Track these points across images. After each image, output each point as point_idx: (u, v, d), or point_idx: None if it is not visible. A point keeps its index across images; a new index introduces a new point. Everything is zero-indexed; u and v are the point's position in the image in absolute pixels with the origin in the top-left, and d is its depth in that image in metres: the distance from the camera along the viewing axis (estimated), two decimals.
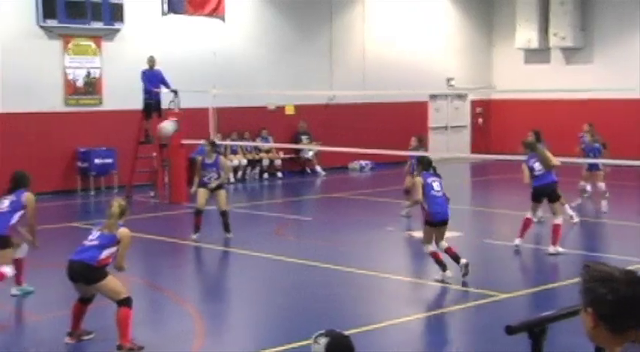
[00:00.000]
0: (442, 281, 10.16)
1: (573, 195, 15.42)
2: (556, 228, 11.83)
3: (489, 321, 8.83)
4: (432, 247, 10.33)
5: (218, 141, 19.55)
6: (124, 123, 19.18)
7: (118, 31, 19.87)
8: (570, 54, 25.60)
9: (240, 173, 21.80)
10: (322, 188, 21.56)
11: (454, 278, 10.26)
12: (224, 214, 13.41)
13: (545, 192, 12.03)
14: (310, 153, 23.07)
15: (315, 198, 20.09)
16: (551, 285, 10.40)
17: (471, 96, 27.49)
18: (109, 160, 19.52)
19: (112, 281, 7.69)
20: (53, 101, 19.18)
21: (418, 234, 13.59)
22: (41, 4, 18.59)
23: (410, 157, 15.36)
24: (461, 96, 27.35)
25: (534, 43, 25.64)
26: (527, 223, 12.17)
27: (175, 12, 20.73)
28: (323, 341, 3.99)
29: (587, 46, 25.31)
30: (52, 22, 18.80)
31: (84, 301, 7.94)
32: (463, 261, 10.20)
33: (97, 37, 19.68)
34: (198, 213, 13.42)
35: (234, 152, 21.93)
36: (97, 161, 19.35)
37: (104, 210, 8.09)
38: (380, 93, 22.90)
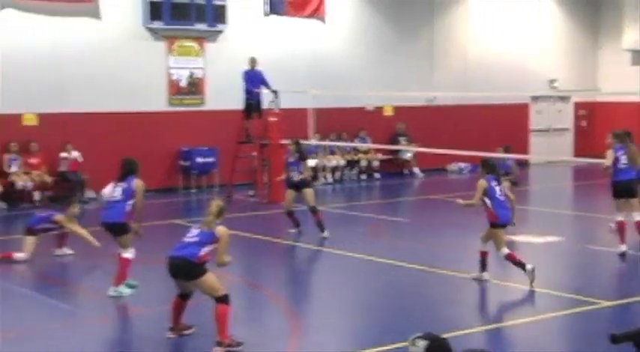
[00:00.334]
0: (480, 281, 10.25)
1: None
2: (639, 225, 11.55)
3: (591, 329, 8.61)
4: (507, 249, 10.26)
5: (316, 142, 19.76)
6: (225, 122, 19.52)
7: (220, 32, 20.24)
8: None
9: (338, 174, 21.87)
10: (420, 189, 21.42)
11: (552, 285, 10.02)
12: (313, 211, 13.73)
13: (625, 188, 11.66)
14: (408, 155, 22.96)
15: (412, 200, 19.98)
16: None
17: (575, 99, 26.82)
18: (211, 159, 19.90)
19: (211, 278, 7.81)
20: (157, 101, 19.69)
21: (518, 238, 13.37)
22: (148, 7, 19.11)
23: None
24: (564, 99, 26.73)
25: None
26: (622, 226, 11.82)
27: (276, 13, 20.97)
28: (422, 343, 3.97)
29: None
30: (157, 24, 19.30)
31: (183, 297, 8.10)
32: (529, 266, 10.08)
33: (200, 38, 20.10)
34: (289, 213, 13.87)
35: (332, 153, 22.02)
36: (198, 160, 19.75)
37: (205, 208, 8.24)
38: (481, 94, 22.59)
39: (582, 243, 12.98)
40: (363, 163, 22.37)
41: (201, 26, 19.86)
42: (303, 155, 14.12)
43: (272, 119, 18.12)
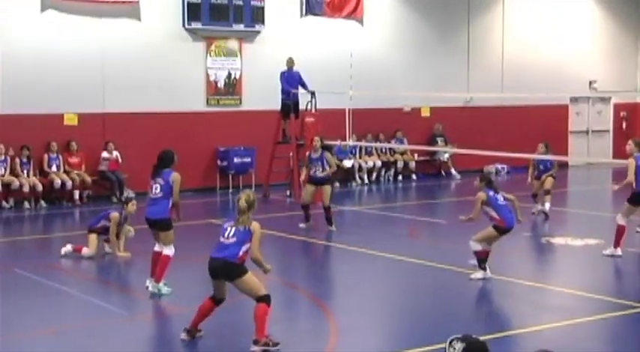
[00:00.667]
0: (483, 279, 10.36)
1: None
2: None
3: (629, 333, 8.51)
4: (481, 246, 10.46)
5: (353, 142, 19.77)
6: (262, 123, 19.60)
7: (258, 32, 20.33)
8: None
9: (374, 174, 21.85)
10: (457, 191, 21.31)
11: (590, 288, 9.92)
12: (327, 209, 14.24)
13: None
14: (445, 156, 22.87)
15: (449, 201, 19.89)
16: None
17: (615, 100, 26.51)
18: (248, 159, 20.00)
19: (252, 278, 7.81)
20: (195, 101, 19.84)
21: (556, 240, 13.26)
22: (187, 8, 19.26)
23: (536, 162, 15.74)
24: (604, 100, 26.43)
25: None
26: (623, 230, 11.77)
27: (314, 14, 21.01)
28: (459, 346, 3.96)
29: None
30: (196, 25, 19.44)
31: (216, 301, 8.03)
32: (488, 272, 10.49)
33: (238, 39, 20.20)
34: (305, 207, 14.40)
35: (369, 153, 22.01)
36: (236, 160, 19.87)
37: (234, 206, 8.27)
38: (518, 95, 22.43)
39: (622, 246, 12.81)
40: (400, 164, 22.32)
41: (239, 27, 19.98)
42: (328, 148, 14.71)
43: (309, 119, 18.17)
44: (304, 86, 18.48)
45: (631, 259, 12.12)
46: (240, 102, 20.41)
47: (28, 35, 17.92)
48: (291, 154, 18.75)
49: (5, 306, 9.42)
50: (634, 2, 26.68)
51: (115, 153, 18.50)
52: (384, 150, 22.07)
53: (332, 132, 18.18)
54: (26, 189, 17.41)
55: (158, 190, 9.87)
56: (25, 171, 17.65)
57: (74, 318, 9.15)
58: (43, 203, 17.66)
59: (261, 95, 19.88)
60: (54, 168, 18.00)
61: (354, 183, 21.34)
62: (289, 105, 18.46)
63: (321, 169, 14.31)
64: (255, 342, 7.71)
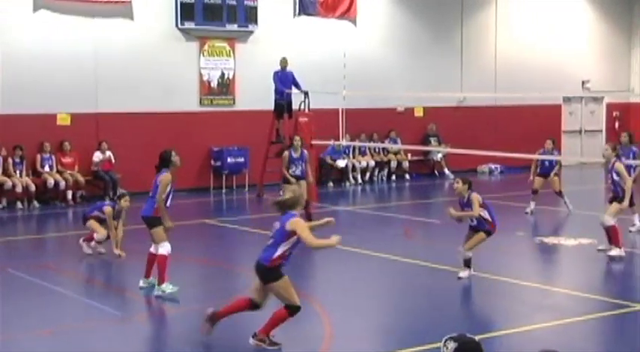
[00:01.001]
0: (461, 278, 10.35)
1: None
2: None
3: (624, 332, 8.53)
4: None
5: (346, 142, 19.78)
6: (255, 123, 19.60)
7: (251, 32, 20.32)
8: None
9: (368, 174, 21.87)
10: (450, 191, 21.26)
11: (583, 287, 9.94)
12: (306, 205, 14.00)
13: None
14: (439, 156, 22.90)
15: (442, 201, 19.89)
16: None
17: (608, 100, 26.58)
18: (241, 159, 19.99)
19: (285, 286, 7.63)
20: (189, 101, 19.82)
21: (549, 240, 13.29)
22: (180, 8, 19.24)
23: (539, 160, 15.94)
24: (596, 100, 26.50)
25: None
26: (616, 230, 11.84)
27: (307, 14, 21.01)
28: (452, 345, 3.97)
29: None
30: (189, 24, 19.42)
31: (252, 304, 7.83)
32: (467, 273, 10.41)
33: (231, 39, 20.19)
34: None
35: (362, 153, 22.02)
36: (229, 160, 19.86)
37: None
38: (512, 95, 22.47)
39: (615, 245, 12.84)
40: (393, 164, 22.34)
41: (233, 27, 19.97)
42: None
43: (302, 119, 18.17)
44: (297, 86, 18.48)
45: (625, 259, 12.15)
46: (234, 102, 20.40)
47: (21, 35, 17.88)
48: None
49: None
50: (627, 3, 26.76)
51: (108, 153, 18.48)
52: (377, 150, 22.09)
53: (325, 132, 18.20)
54: (19, 189, 17.37)
55: (152, 189, 9.88)
56: (18, 172, 17.61)
57: (70, 319, 9.13)
58: (36, 203, 17.62)
59: (255, 95, 19.88)
60: (47, 168, 17.97)
61: (347, 183, 21.35)
62: (283, 105, 18.46)
63: (301, 168, 14.55)
64: (254, 336, 7.69)
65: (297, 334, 8.59)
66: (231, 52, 20.21)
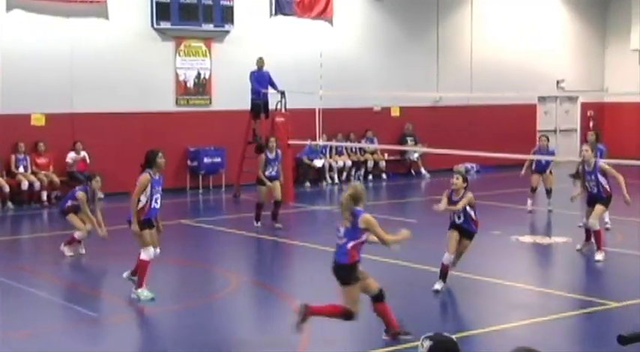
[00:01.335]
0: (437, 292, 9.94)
1: None
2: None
3: (600, 330, 8.61)
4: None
5: (323, 142, 19.79)
6: (232, 123, 19.56)
7: (227, 32, 20.27)
8: None
9: (345, 174, 21.89)
10: (427, 190, 21.42)
11: (558, 285, 10.00)
12: (277, 204, 14.49)
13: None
14: (415, 155, 22.98)
15: (419, 201, 19.98)
16: None
17: (582, 99, 26.79)
18: (218, 159, 19.94)
19: (356, 292, 7.65)
20: (165, 101, 19.74)
21: (525, 238, 13.38)
22: (156, 7, 19.15)
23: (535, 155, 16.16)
24: (571, 99, 26.70)
25: None
26: (599, 233, 11.71)
27: (284, 13, 20.99)
28: (427, 344, 3.98)
29: None
30: (165, 24, 19.34)
31: (375, 299, 7.91)
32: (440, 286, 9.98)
33: (207, 39, 20.13)
34: (262, 206, 14.61)
35: (339, 153, 22.04)
36: (206, 160, 19.80)
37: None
38: (487, 95, 22.59)
39: (590, 244, 12.95)
40: (370, 164, 22.38)
41: (209, 27, 19.91)
42: (262, 149, 15.18)
43: (279, 119, 18.16)
44: (274, 86, 18.47)
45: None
46: (210, 102, 20.35)
47: None
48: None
49: None
50: (601, 3, 26.98)
51: (83, 153, 18.37)
52: (354, 149, 22.11)
53: (302, 132, 18.20)
54: None
55: None
56: None
57: (46, 321, 9.06)
58: (10, 204, 17.47)
59: (231, 95, 19.83)
60: (21, 169, 17.82)
61: (324, 183, 21.37)
62: (259, 105, 18.44)
63: (277, 169, 14.61)
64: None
65: (275, 335, 8.59)
66: (208, 51, 20.15)
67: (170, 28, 19.48)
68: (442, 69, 23.61)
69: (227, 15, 20.10)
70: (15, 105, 17.78)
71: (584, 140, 26.66)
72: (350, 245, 7.56)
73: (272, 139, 14.96)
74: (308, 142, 19.41)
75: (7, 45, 17.80)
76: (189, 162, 19.91)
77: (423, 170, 22.99)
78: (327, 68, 20.04)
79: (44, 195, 17.80)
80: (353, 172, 22.08)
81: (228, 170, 19.76)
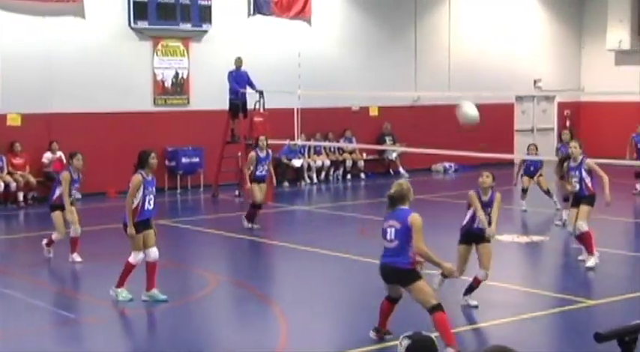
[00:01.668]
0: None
1: None
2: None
3: (577, 328, 8.67)
4: None
5: (302, 142, 19.78)
6: (210, 123, 19.50)
7: (205, 32, 20.20)
8: None
9: (323, 174, 21.89)
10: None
11: (536, 284, 10.05)
12: (260, 206, 14.41)
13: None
14: (394, 155, 23.02)
15: None
16: None
17: (559, 99, 26.97)
18: (196, 159, 19.87)
19: (424, 286, 7.61)
20: (142, 101, 19.64)
21: (503, 237, 13.44)
22: (133, 6, 19.05)
23: (528, 161, 16.57)
24: (548, 99, 26.87)
25: (626, 44, 25.00)
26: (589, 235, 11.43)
27: (262, 13, 20.94)
28: (405, 342, 3.99)
29: None
30: (142, 24, 19.25)
31: (392, 300, 7.96)
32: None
33: (185, 38, 20.06)
34: (258, 206, 14.34)
35: (317, 153, 22.04)
36: (184, 160, 19.71)
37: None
38: (465, 94, 22.62)
39: (567, 243, 13.05)
40: (349, 163, 22.40)
41: (187, 26, 19.83)
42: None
43: (257, 119, 18.14)
44: (252, 86, 18.45)
45: (576, 255, 12.33)
46: (188, 102, 20.27)
47: None
48: (239, 154, 18.70)
49: None
50: (577, 3, 27.17)
51: (59, 153, 18.23)
52: (332, 149, 22.12)
53: (281, 132, 18.19)
54: None
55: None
56: None
57: (22, 323, 8.99)
58: None
59: (210, 95, 19.77)
60: None
61: (303, 183, 21.36)
62: (238, 104, 18.41)
63: (266, 168, 14.48)
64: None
65: (254, 334, 8.58)
66: (185, 51, 20.08)
67: (148, 28, 19.39)
68: (420, 68, 23.68)
69: (205, 15, 20.03)
70: None
71: (560, 139, 26.91)
72: (408, 248, 7.49)
73: (262, 138, 14.65)
74: (286, 142, 19.40)
75: None
76: (167, 162, 19.81)
77: (401, 169, 23.04)
78: (306, 68, 20.04)
79: (20, 196, 17.65)
80: (331, 172, 22.09)
81: (207, 170, 19.70)
